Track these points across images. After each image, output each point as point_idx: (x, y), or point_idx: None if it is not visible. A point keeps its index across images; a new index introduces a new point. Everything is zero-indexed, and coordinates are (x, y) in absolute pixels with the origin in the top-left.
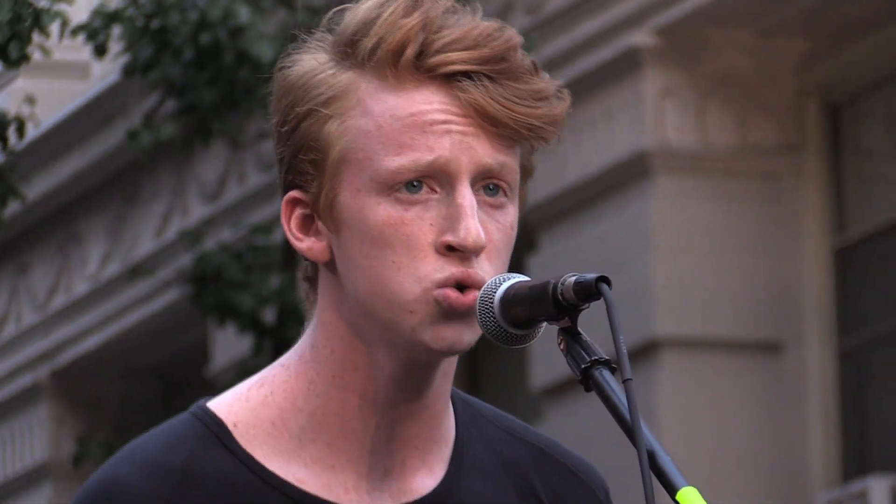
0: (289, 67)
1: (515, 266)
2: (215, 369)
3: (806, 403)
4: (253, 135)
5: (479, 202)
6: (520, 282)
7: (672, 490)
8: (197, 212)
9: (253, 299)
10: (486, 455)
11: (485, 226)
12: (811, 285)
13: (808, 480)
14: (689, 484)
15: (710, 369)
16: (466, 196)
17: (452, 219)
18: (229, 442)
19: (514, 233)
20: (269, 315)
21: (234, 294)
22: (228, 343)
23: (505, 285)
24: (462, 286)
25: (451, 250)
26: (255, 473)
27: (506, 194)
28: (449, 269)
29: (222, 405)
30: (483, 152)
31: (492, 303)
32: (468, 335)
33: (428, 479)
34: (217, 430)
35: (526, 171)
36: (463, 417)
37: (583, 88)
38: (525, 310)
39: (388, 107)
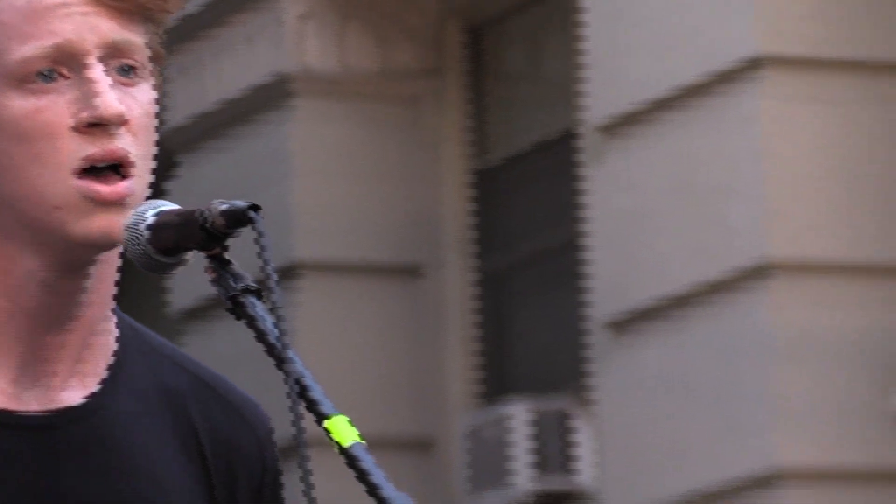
0: None
1: (155, 189)
2: None
3: (447, 327)
4: None
5: (113, 82)
6: (168, 209)
7: (321, 418)
8: None
9: None
10: (145, 378)
11: (123, 102)
12: (452, 209)
13: (449, 404)
14: (338, 411)
15: (351, 293)
16: (97, 72)
17: (87, 96)
18: None
19: (154, 113)
20: None
21: None
22: None
23: (153, 213)
24: (108, 166)
25: (91, 126)
26: None
27: (139, 74)
28: (88, 149)
29: None
30: (108, 29)
31: (140, 230)
32: (122, 223)
33: (79, 390)
34: None
35: (155, 55)
36: (127, 338)
37: (222, 11)
38: (174, 238)
39: (5, 1)
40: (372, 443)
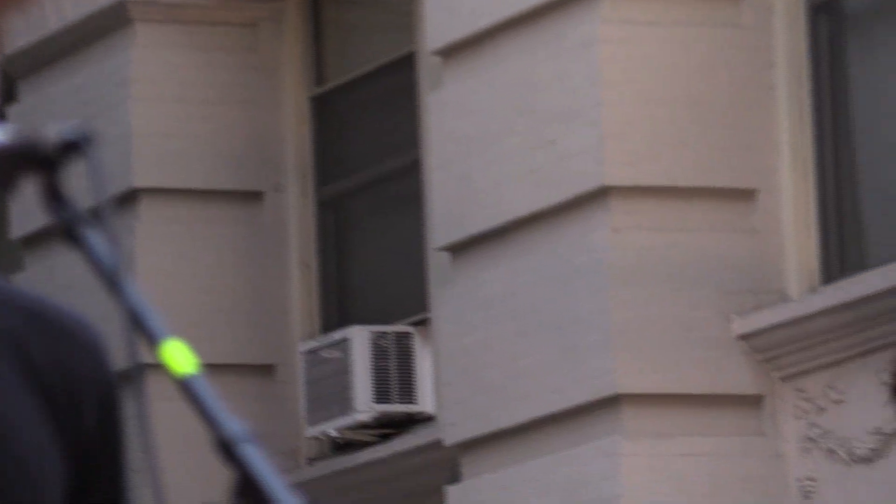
0: None
1: None
2: None
3: (287, 252)
4: None
5: None
6: (1, 135)
7: (155, 343)
8: None
9: None
10: None
11: None
12: (291, 134)
13: (290, 329)
14: (175, 338)
15: (191, 219)
16: None
17: None
18: None
19: None
20: None
21: None
22: None
23: None
24: None
25: None
26: None
27: None
28: None
29: None
30: None
31: None
32: None
33: None
34: None
35: None
36: None
37: None
38: (6, 164)
39: None
40: (213, 368)
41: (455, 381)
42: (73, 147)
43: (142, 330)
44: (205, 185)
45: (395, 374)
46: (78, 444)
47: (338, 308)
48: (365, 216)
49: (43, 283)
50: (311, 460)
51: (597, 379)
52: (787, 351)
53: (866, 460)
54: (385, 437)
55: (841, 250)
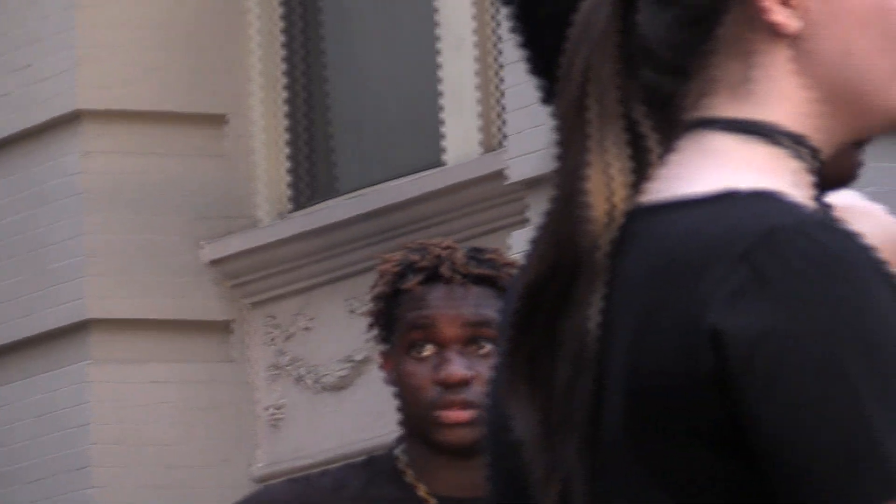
0: None
1: None
2: None
3: None
4: None
5: None
6: None
7: None
8: None
9: None
10: None
11: None
12: None
13: None
14: None
15: None
16: None
17: None
18: None
19: None
20: None
21: None
22: None
23: None
24: None
25: None
26: None
27: None
28: None
29: None
30: None
31: None
32: None
33: None
34: None
35: None
36: None
37: None
38: None
39: None
40: None
41: None
42: None
43: None
44: None
45: None
46: None
47: None
48: None
49: None
50: None
51: (67, 304)
52: (257, 277)
53: (335, 388)
54: None
55: (311, 177)
